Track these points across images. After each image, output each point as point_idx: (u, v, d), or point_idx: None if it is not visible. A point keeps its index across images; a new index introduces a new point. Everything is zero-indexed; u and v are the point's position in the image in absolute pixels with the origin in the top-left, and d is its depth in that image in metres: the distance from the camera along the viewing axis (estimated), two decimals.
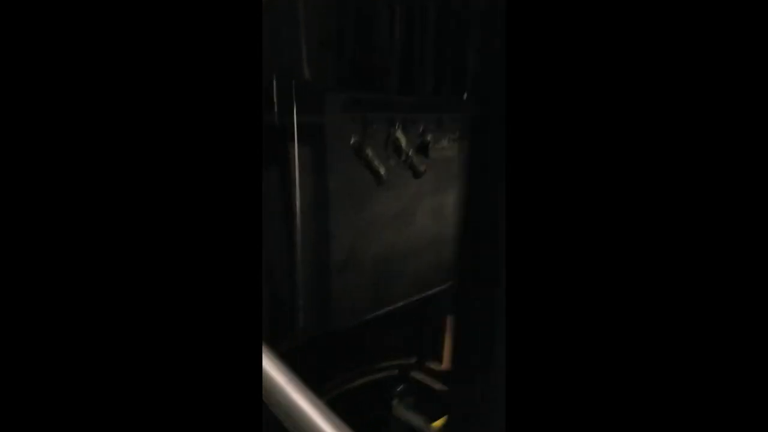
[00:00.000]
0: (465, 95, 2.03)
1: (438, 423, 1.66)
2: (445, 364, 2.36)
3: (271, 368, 0.92)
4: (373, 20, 1.59)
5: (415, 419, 1.73)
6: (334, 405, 0.78)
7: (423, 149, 1.89)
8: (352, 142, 1.67)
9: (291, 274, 1.63)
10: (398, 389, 1.77)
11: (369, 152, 1.70)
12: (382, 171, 1.72)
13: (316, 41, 1.46)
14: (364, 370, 1.73)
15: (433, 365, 1.87)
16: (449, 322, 2.27)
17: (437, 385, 1.62)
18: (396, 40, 1.65)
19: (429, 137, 1.90)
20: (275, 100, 1.40)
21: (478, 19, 1.84)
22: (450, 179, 2.10)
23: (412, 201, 2.00)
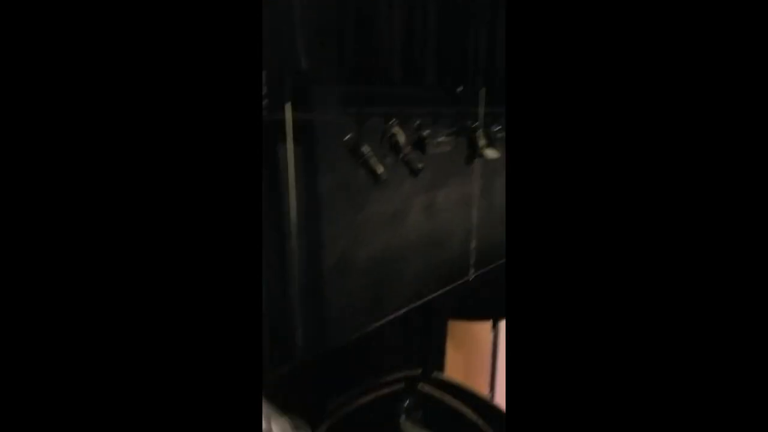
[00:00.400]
0: (460, 88, 1.93)
1: None
2: (448, 372, 2.26)
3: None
4: (369, 10, 1.47)
5: None
6: (340, 428, 0.70)
7: (420, 145, 1.77)
8: (346, 139, 1.54)
9: (285, 286, 1.49)
10: (405, 404, 1.64)
11: (365, 150, 1.57)
12: (380, 170, 1.59)
13: (309, 33, 1.32)
14: (368, 387, 1.59)
15: (441, 375, 1.76)
16: (451, 328, 2.18)
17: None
18: (392, 31, 1.53)
19: (426, 132, 1.78)
20: (265, 95, 1.26)
21: (480, 11, 1.75)
22: (447, 176, 2.00)
23: (409, 200, 1.89)
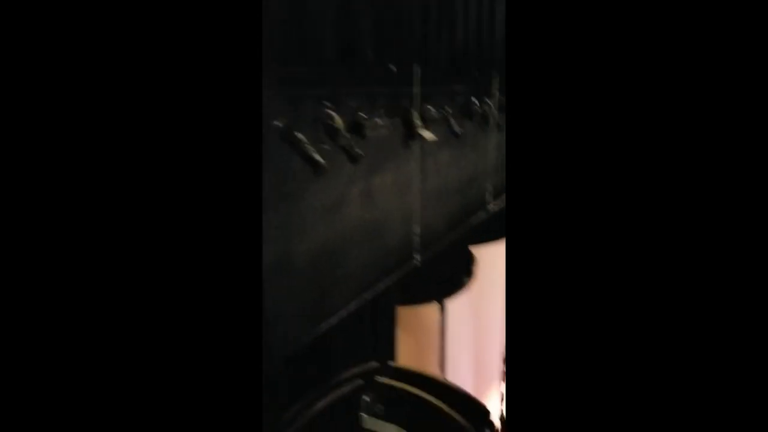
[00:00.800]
0: (393, 67, 1.86)
1: None
2: (400, 358, 2.24)
3: None
4: None
5: (387, 428, 1.56)
6: None
7: (357, 129, 1.68)
8: (279, 125, 1.41)
9: None
10: (365, 400, 1.58)
11: (301, 136, 1.45)
12: (319, 158, 1.48)
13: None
14: (326, 389, 1.51)
15: (397, 364, 1.72)
16: (400, 314, 2.14)
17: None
18: (327, 7, 1.40)
19: (362, 115, 1.69)
20: None
21: None
22: (385, 160, 1.93)
23: (348, 189, 1.80)
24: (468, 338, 2.53)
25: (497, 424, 1.42)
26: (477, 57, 2.65)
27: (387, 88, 1.83)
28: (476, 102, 2.67)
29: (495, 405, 2.78)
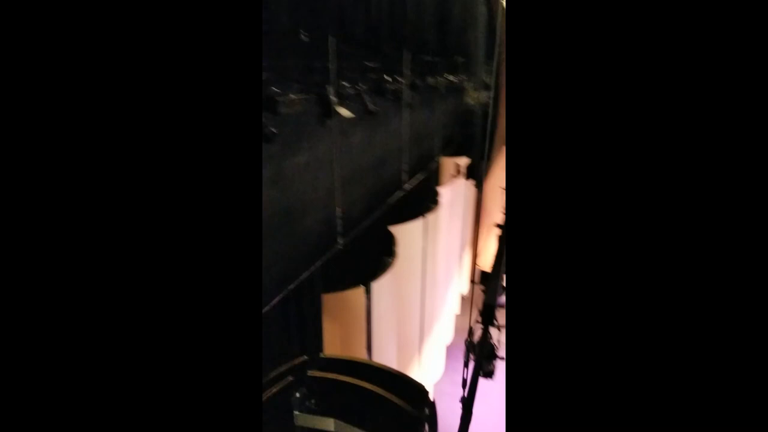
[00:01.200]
0: (303, 36, 1.71)
1: None
2: (327, 346, 2.15)
3: None
4: None
5: (323, 422, 1.49)
6: None
7: (270, 105, 1.53)
8: None
9: None
10: (296, 396, 1.49)
11: None
12: None
13: None
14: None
15: (326, 355, 1.64)
16: (325, 302, 2.04)
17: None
18: None
19: (275, 90, 1.54)
20: None
21: None
22: (299, 139, 1.80)
23: (263, 170, 1.64)
24: (391, 318, 2.53)
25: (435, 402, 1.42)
26: (389, 34, 2.58)
27: (301, 61, 1.69)
28: (389, 79, 2.62)
29: (424, 382, 2.84)
